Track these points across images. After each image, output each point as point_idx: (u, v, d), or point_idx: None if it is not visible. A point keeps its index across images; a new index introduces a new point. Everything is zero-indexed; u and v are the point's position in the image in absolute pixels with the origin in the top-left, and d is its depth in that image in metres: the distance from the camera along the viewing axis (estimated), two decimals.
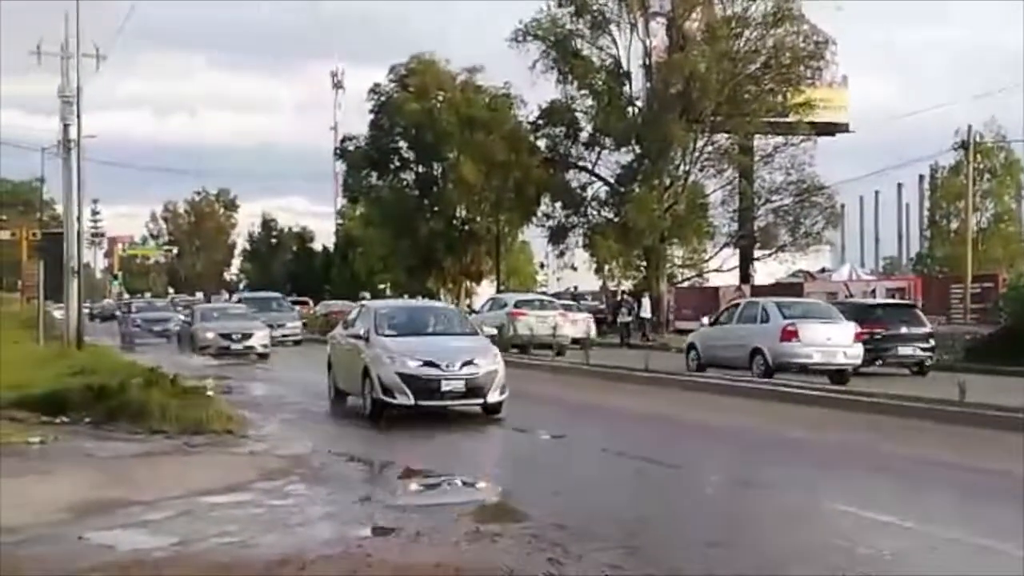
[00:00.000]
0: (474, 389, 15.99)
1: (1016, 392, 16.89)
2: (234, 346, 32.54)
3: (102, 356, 26.47)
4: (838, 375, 22.41)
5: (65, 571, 7.40)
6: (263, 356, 32.30)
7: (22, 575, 7.25)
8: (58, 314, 38.72)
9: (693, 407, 18.61)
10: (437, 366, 15.87)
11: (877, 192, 75.68)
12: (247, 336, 32.98)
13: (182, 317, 42.61)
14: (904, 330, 25.69)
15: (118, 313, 73.11)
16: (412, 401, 15.76)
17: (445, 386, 15.83)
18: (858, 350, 22.82)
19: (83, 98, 33.49)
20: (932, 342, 26.01)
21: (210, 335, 33.12)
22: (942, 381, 18.80)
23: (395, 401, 15.79)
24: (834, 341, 22.64)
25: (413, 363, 15.87)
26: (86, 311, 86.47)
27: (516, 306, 35.51)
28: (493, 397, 16.16)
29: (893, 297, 37.82)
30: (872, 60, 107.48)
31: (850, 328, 23.10)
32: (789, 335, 22.34)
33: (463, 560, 7.63)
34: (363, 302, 24.19)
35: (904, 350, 24.70)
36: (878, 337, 24.56)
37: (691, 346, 25.47)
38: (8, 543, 8.13)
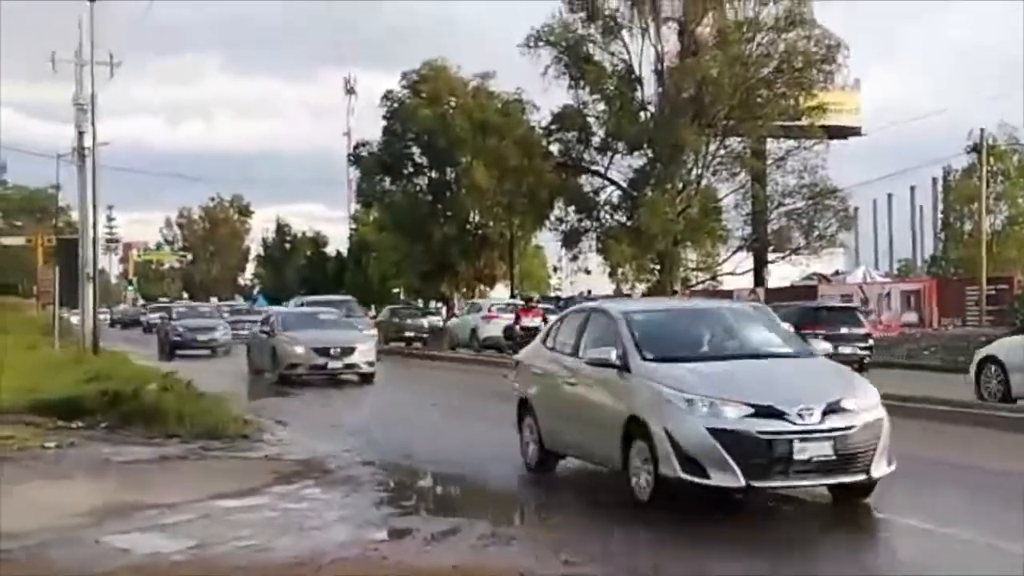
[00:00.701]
0: (846, 457, 9.27)
1: None
2: (332, 363, 25.35)
3: (118, 362, 26.59)
4: None
5: (83, 574, 7.46)
6: (367, 377, 25.38)
7: None
8: (75, 320, 38.86)
9: None
10: (780, 415, 9.16)
11: (890, 195, 75.68)
12: (348, 351, 25.49)
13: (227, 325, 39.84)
14: (844, 330, 26.82)
15: (144, 319, 70.89)
16: (742, 482, 9.06)
17: (799, 452, 9.09)
18: None
19: (98, 105, 33.71)
20: (871, 341, 27.72)
21: (300, 349, 25.27)
22: (955, 383, 18.74)
23: (708, 481, 9.07)
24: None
25: (733, 411, 9.21)
26: (105, 317, 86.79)
27: (489, 309, 38.06)
28: (879, 471, 9.45)
29: (909, 300, 37.86)
30: (884, 63, 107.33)
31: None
32: None
33: (480, 561, 7.66)
34: (588, 303, 15.41)
35: (844, 349, 24.85)
36: (819, 337, 24.56)
37: None
38: (26, 547, 8.18)
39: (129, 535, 8.73)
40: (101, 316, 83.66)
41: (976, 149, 41.22)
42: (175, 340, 37.26)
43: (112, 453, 13.09)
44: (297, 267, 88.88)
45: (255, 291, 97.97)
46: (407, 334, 42.90)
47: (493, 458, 12.52)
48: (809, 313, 27.83)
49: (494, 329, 35.37)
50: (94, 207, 33.80)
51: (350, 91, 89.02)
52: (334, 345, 25.47)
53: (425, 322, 46.39)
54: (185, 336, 37.53)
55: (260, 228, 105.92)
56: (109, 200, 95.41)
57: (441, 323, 47.96)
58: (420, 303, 60.89)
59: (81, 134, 34.01)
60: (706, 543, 8.58)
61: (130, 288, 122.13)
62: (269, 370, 26.22)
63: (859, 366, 24.67)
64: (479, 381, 24.97)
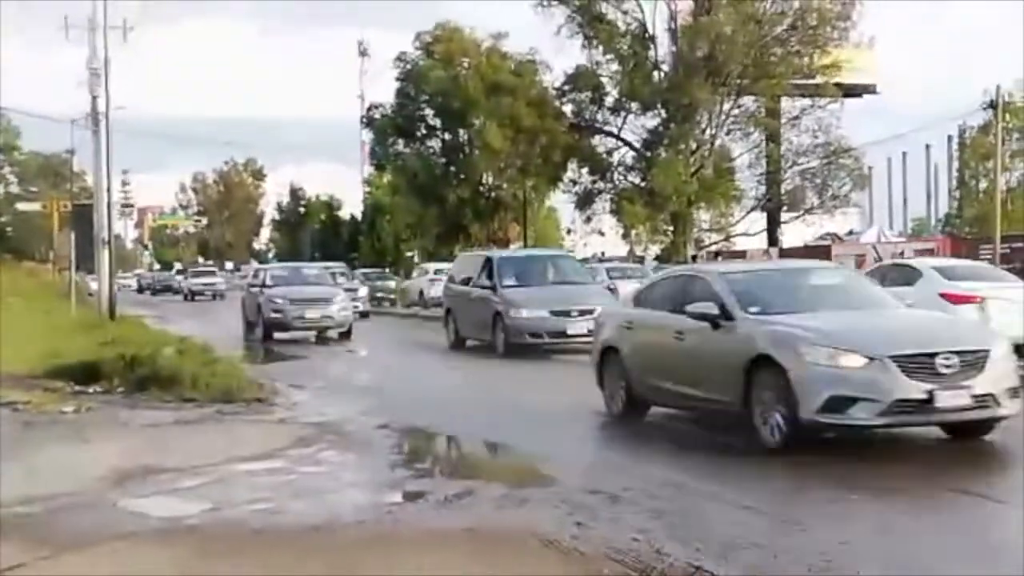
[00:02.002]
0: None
1: None
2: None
3: (134, 326, 26.66)
4: None
5: (100, 538, 7.46)
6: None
7: (58, 541, 7.32)
8: (95, 285, 38.83)
9: None
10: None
11: (905, 153, 75.08)
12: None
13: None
14: None
15: (184, 284, 67.70)
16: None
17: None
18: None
19: (111, 69, 33.72)
20: None
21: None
22: None
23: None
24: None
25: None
26: (131, 283, 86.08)
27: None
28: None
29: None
30: (900, 19, 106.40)
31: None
32: None
33: (493, 523, 7.67)
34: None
35: None
36: None
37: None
38: (44, 510, 8.23)
39: (146, 499, 8.75)
40: (127, 281, 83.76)
41: (992, 106, 40.76)
42: (273, 317, 27.14)
43: (129, 417, 13.12)
44: (311, 231, 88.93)
45: (270, 255, 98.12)
46: (377, 294, 46.82)
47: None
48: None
49: (438, 290, 37.57)
50: (108, 172, 33.88)
51: (363, 53, 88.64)
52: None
53: (392, 284, 50.01)
54: (288, 312, 27.03)
55: (274, 192, 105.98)
56: (124, 164, 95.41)
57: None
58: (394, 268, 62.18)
59: (95, 99, 34.00)
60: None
61: (146, 253, 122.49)
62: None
63: None
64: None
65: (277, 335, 27.27)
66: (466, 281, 23.58)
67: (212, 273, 71.75)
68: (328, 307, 27.19)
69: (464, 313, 23.13)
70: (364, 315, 35.45)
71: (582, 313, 20.21)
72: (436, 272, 42.14)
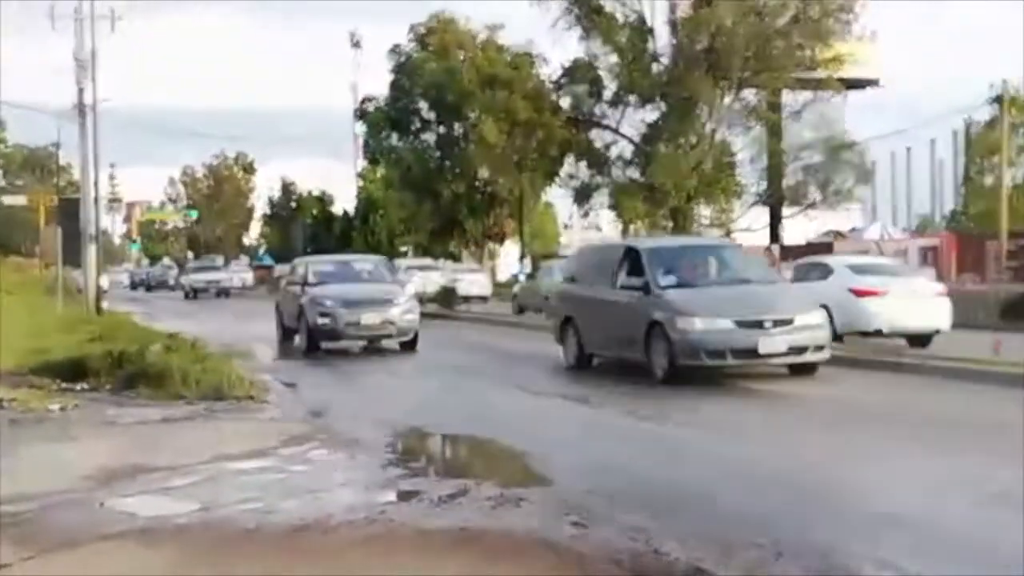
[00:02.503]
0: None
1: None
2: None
3: (121, 322, 26.40)
4: None
5: (87, 537, 7.39)
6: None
7: (44, 542, 7.25)
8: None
9: None
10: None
11: (909, 148, 74.77)
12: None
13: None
14: None
15: (185, 280, 63.04)
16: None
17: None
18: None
19: (99, 61, 33.25)
20: None
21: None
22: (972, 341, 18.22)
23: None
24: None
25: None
26: (122, 279, 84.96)
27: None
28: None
29: (926, 256, 37.53)
30: (904, 12, 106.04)
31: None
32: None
33: (488, 523, 7.59)
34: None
35: None
36: None
37: None
38: (31, 509, 8.17)
39: (134, 498, 8.72)
40: (119, 277, 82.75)
41: (998, 100, 40.47)
42: (321, 324, 21.67)
43: (117, 415, 13.06)
44: (303, 226, 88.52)
45: (260, 251, 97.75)
46: None
47: None
48: None
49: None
50: (95, 165, 33.44)
51: (356, 45, 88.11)
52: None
53: None
54: (340, 316, 21.53)
55: (265, 186, 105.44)
56: (111, 158, 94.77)
57: None
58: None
59: (81, 91, 33.50)
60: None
61: (134, 248, 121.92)
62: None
63: None
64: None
65: (325, 345, 21.80)
66: (594, 280, 17.95)
67: (216, 268, 68.18)
68: (389, 310, 21.70)
69: (594, 323, 17.45)
70: None
71: (778, 324, 15.27)
72: (407, 269, 43.05)
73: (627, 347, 16.47)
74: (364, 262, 26.74)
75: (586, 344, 17.80)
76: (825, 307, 17.67)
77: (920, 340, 19.53)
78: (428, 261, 51.17)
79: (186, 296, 59.67)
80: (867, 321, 19.43)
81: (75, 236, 32.48)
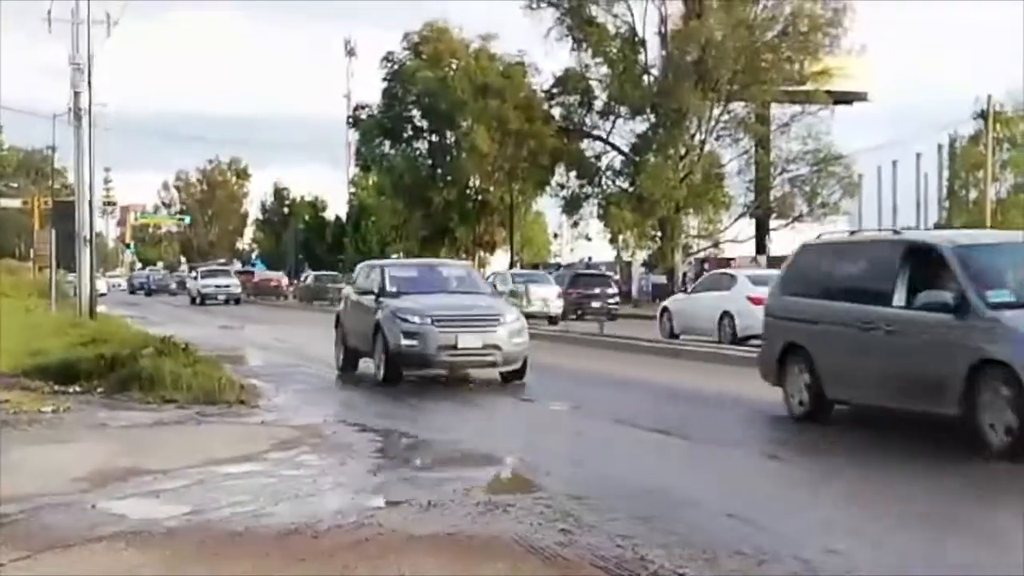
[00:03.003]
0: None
1: None
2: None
3: (114, 325, 26.40)
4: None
5: (78, 540, 7.35)
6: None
7: (35, 543, 7.22)
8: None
9: None
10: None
11: (895, 162, 74.99)
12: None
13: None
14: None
15: (195, 286, 57.52)
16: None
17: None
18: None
19: (94, 65, 33.36)
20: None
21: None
22: None
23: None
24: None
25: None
26: (122, 282, 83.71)
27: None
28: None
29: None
30: (893, 27, 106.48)
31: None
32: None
33: (475, 529, 7.58)
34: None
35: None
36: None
37: None
38: (22, 511, 8.11)
39: (124, 501, 8.66)
40: (117, 280, 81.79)
41: (983, 115, 40.86)
42: (407, 348, 16.42)
43: (108, 418, 13.00)
44: (295, 231, 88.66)
45: (254, 256, 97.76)
46: (328, 295, 51.98)
47: None
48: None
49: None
50: (91, 169, 33.51)
51: (350, 52, 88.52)
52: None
53: (341, 286, 53.61)
54: (430, 337, 16.37)
55: (259, 192, 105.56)
56: (106, 162, 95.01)
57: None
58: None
59: (77, 94, 33.63)
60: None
61: (128, 251, 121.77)
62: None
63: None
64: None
65: (408, 373, 16.71)
66: (846, 291, 12.07)
67: (227, 273, 62.21)
68: (494, 330, 16.46)
69: (849, 356, 11.67)
70: None
71: None
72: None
73: (921, 395, 10.76)
74: (453, 267, 21.00)
75: (828, 386, 12.00)
76: (728, 312, 23.05)
77: None
78: None
79: (192, 302, 55.64)
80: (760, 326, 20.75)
81: (69, 239, 32.54)
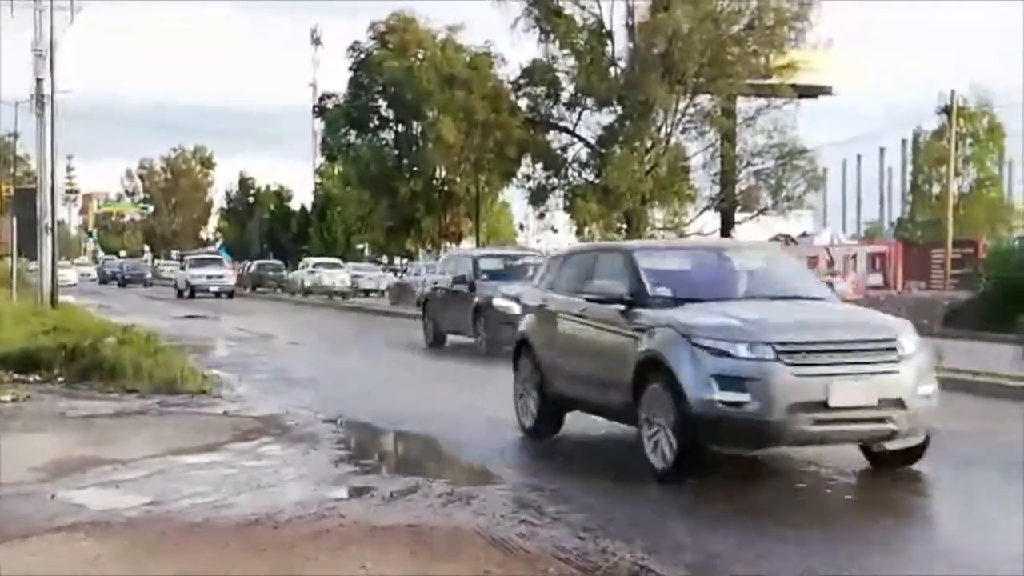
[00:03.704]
0: None
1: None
2: None
3: (76, 314, 26.21)
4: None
5: (36, 530, 7.33)
6: None
7: None
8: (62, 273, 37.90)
9: None
10: None
11: (859, 156, 75.74)
12: None
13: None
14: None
15: (183, 276, 52.09)
16: None
17: None
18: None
19: (57, 51, 33.07)
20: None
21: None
22: None
23: None
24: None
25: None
26: (92, 271, 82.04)
27: (314, 266, 53.98)
28: None
29: (874, 262, 38.72)
30: (858, 23, 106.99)
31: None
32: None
33: (437, 521, 7.59)
34: None
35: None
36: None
37: None
38: None
39: (84, 491, 8.64)
40: (86, 269, 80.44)
41: (947, 111, 41.19)
42: (730, 408, 8.48)
43: (69, 407, 12.94)
44: (260, 221, 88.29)
45: (217, 245, 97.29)
46: (269, 283, 57.66)
47: None
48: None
49: (311, 280, 52.05)
50: (52, 156, 33.21)
51: (316, 41, 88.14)
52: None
53: (284, 274, 59.10)
54: (780, 390, 8.45)
55: (224, 180, 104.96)
56: (68, 150, 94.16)
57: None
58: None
59: (40, 81, 33.33)
60: None
61: (91, 240, 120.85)
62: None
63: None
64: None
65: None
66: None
67: (218, 262, 55.12)
68: (893, 370, 8.68)
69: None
70: None
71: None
72: (315, 266, 53.49)
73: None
74: (748, 251, 12.46)
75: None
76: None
77: None
78: (332, 260, 57.76)
79: (180, 295, 49.98)
80: None
81: (31, 227, 32.24)
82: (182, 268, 55.73)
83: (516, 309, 12.68)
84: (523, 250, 28.68)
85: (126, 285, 66.29)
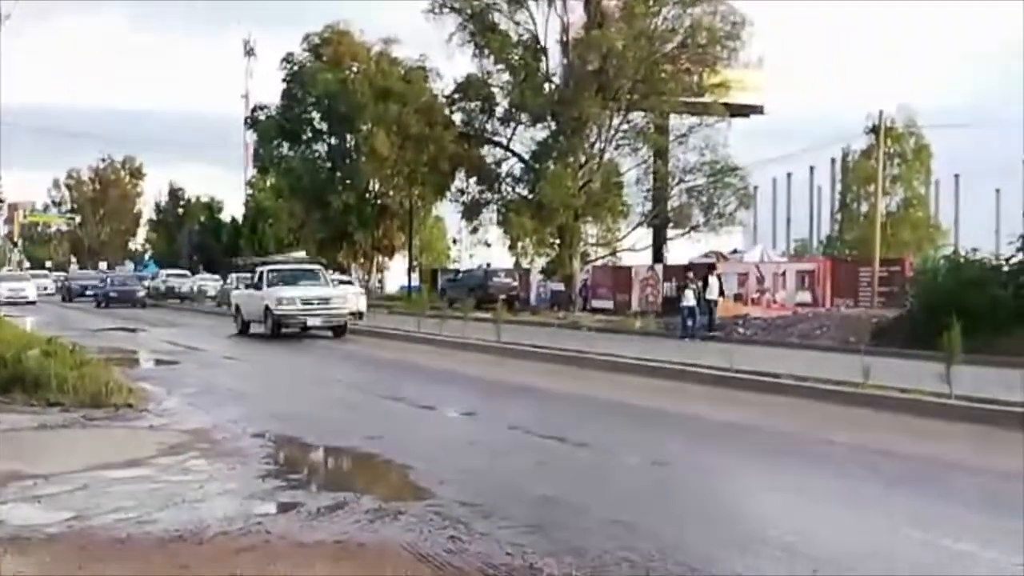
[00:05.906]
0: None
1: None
2: None
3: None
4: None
5: None
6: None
7: None
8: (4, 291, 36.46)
9: None
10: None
11: (789, 174, 76.64)
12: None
13: None
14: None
15: (239, 297, 32.80)
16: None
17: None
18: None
19: None
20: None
21: None
22: (842, 362, 18.76)
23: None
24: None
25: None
26: (49, 284, 78.70)
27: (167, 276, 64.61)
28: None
29: (803, 280, 38.91)
30: (790, 41, 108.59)
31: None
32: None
33: (365, 537, 7.56)
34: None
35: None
36: None
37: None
38: None
39: (5, 505, 8.49)
40: (45, 283, 77.28)
41: (875, 130, 41.77)
42: None
43: None
44: (190, 232, 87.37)
45: (146, 256, 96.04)
46: (178, 294, 61.10)
47: None
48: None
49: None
50: None
51: (249, 52, 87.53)
52: None
53: (193, 282, 61.72)
54: None
55: (153, 191, 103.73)
56: None
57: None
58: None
59: None
60: None
61: (15, 251, 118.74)
62: None
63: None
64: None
65: None
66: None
67: (315, 276, 31.59)
68: None
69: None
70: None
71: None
72: (167, 276, 63.72)
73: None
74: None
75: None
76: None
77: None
78: (181, 271, 66.74)
79: (274, 331, 29.59)
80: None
81: None
82: (256, 287, 32.02)
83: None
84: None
85: (109, 306, 51.52)
